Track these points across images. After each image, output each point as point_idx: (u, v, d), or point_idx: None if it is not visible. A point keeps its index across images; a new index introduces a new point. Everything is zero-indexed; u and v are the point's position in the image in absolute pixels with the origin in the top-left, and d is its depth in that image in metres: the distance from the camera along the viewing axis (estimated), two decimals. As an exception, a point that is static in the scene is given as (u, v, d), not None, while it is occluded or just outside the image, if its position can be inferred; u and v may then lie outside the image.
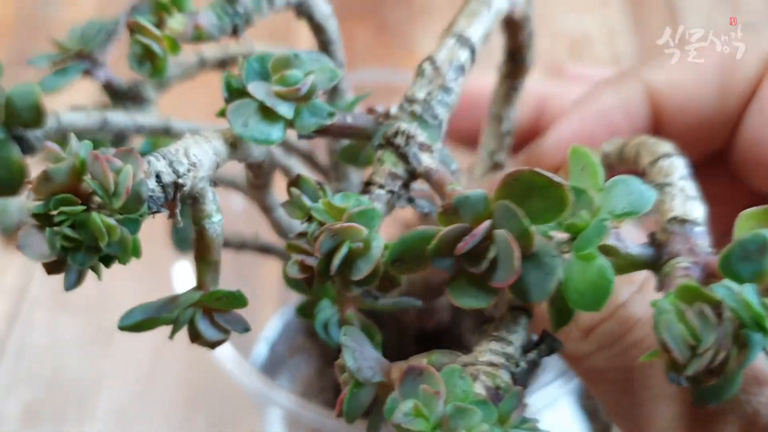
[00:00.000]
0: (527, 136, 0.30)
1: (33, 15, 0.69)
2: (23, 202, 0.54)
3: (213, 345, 0.18)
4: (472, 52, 0.22)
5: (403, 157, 0.20)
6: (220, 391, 0.48)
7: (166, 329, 0.56)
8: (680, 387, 0.15)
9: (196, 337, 0.17)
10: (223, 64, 0.31)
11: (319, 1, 0.25)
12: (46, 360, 0.50)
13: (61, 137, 0.23)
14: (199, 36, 0.21)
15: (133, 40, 0.20)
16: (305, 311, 0.24)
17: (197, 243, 0.17)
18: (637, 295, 0.20)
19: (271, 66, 0.19)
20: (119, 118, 0.26)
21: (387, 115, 0.21)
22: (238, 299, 0.17)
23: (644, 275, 0.19)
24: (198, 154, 0.16)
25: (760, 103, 0.24)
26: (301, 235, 0.18)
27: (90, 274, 0.51)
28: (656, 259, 0.17)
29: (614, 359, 0.20)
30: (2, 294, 0.53)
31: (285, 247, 0.18)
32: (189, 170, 0.16)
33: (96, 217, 0.14)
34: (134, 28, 0.19)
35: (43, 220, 0.15)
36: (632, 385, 0.19)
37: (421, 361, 0.17)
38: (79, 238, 0.14)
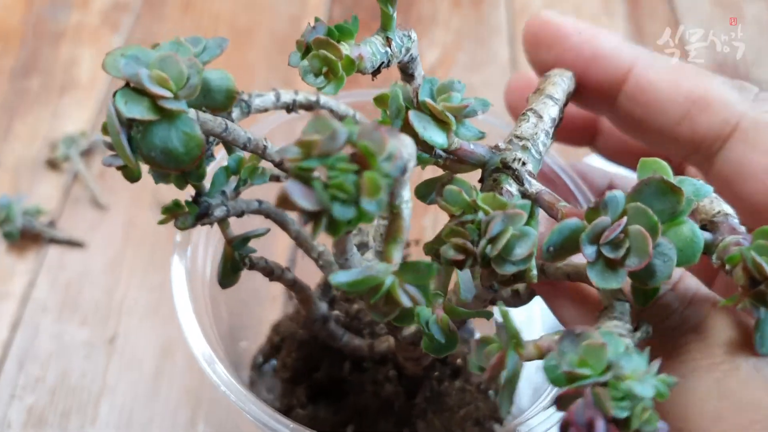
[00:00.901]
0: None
1: (41, 21, 0.69)
2: (23, 208, 0.53)
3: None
4: (561, 110, 0.28)
5: (518, 180, 0.25)
6: (222, 399, 0.48)
7: (171, 337, 0.54)
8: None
9: (392, 302, 0.19)
10: (288, 108, 0.35)
11: (420, 64, 0.30)
12: (50, 365, 0.48)
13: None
14: (358, 66, 0.25)
15: (313, 56, 0.24)
16: (402, 319, 0.26)
17: (391, 224, 0.20)
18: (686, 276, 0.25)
19: (437, 90, 0.23)
20: (237, 128, 0.29)
21: (497, 147, 0.26)
22: (430, 272, 0.19)
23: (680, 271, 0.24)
24: (410, 148, 0.19)
25: (742, 134, 0.28)
26: (460, 223, 0.22)
27: (90, 282, 0.50)
28: (712, 241, 0.22)
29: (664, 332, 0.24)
30: (6, 299, 0.51)
31: (444, 234, 0.22)
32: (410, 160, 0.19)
33: (374, 174, 0.16)
34: (320, 45, 0.23)
35: (306, 175, 0.17)
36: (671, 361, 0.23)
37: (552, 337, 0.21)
38: (350, 191, 0.16)
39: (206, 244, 0.36)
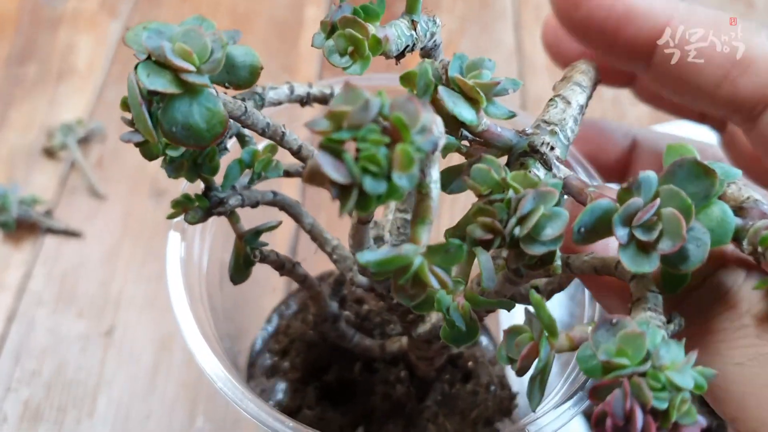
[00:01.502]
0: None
1: (37, 7, 0.68)
2: (19, 198, 0.51)
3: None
4: (588, 98, 0.28)
5: (546, 164, 0.25)
6: (221, 393, 0.47)
7: (170, 329, 0.53)
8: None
9: (419, 284, 0.19)
10: (303, 101, 0.32)
11: (442, 51, 0.29)
12: (46, 359, 0.47)
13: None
14: (383, 48, 0.24)
15: (338, 35, 0.23)
16: (423, 306, 0.26)
17: (419, 204, 0.19)
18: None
19: (466, 67, 0.23)
20: (256, 112, 0.28)
21: (524, 132, 0.26)
22: (459, 254, 0.19)
23: None
24: (440, 125, 0.19)
25: None
26: (489, 202, 0.21)
27: (87, 273, 0.49)
28: (743, 226, 0.22)
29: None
30: (2, 291, 0.50)
31: (471, 213, 0.21)
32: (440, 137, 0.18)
33: (407, 147, 0.16)
34: (346, 24, 0.23)
35: (336, 147, 0.16)
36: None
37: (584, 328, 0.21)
38: (382, 164, 0.16)
39: (202, 233, 0.35)
